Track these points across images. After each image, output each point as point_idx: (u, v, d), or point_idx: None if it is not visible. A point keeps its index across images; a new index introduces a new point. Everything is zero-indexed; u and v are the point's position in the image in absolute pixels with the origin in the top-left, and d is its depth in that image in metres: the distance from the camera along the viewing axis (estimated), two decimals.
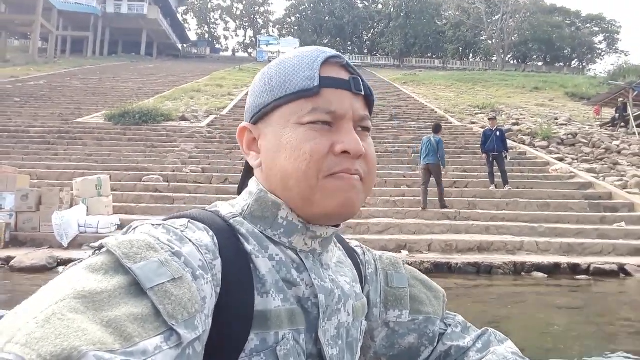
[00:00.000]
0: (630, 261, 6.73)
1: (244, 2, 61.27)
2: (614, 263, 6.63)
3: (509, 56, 52.69)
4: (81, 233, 7.57)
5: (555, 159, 13.05)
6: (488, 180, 10.32)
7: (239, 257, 0.53)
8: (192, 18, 64.44)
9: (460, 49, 55.15)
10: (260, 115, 0.60)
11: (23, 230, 7.74)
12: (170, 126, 15.10)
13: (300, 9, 58.41)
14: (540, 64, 54.30)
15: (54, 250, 7.02)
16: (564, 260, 6.71)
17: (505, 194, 9.83)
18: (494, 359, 0.65)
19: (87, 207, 8.12)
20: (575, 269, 6.52)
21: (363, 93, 0.60)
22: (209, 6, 62.30)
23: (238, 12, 62.80)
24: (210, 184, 10.37)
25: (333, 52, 0.60)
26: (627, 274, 6.47)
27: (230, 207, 0.61)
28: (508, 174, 10.50)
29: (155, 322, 0.39)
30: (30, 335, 0.33)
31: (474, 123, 17.78)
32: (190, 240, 0.50)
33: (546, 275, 6.35)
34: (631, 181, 10.65)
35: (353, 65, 0.61)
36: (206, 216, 0.56)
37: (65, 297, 0.37)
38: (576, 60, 57.12)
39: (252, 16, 62.76)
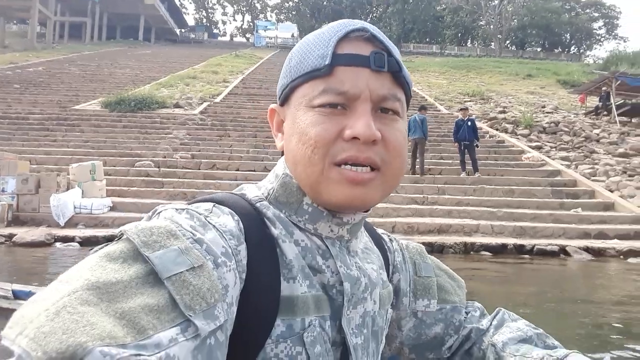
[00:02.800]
0: (572, 243, 7.42)
1: None
2: (556, 245, 7.32)
3: (507, 42, 52.83)
4: (76, 213, 8.32)
5: (533, 147, 13.62)
6: (460, 167, 10.98)
7: (265, 242, 0.53)
8: (190, 3, 64.64)
9: (459, 34, 55.19)
10: (283, 97, 0.59)
11: (24, 211, 8.52)
12: (164, 113, 15.69)
13: None
14: (538, 49, 54.41)
15: (52, 228, 7.78)
16: (511, 241, 7.40)
17: (474, 181, 10.49)
18: (508, 331, 0.69)
19: (82, 190, 8.83)
20: (520, 250, 7.23)
21: (386, 69, 0.54)
22: None
23: None
24: (199, 169, 11.03)
25: (359, 24, 0.55)
26: (567, 254, 7.16)
27: (256, 190, 0.60)
28: (483, 161, 11.17)
29: (171, 313, 0.38)
30: (39, 329, 0.33)
31: (462, 110, 18.37)
32: (214, 226, 0.48)
33: (491, 254, 7.06)
34: (601, 169, 11.27)
35: (383, 37, 0.55)
36: (232, 200, 0.55)
37: (78, 288, 0.36)
38: (574, 46, 57.19)
39: (250, 1, 62.75)
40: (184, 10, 60.74)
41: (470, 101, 20.30)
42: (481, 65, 32.18)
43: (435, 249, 7.12)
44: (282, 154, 0.61)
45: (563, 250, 7.21)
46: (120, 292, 0.38)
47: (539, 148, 13.71)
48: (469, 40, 58.08)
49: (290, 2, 60.46)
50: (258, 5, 63.89)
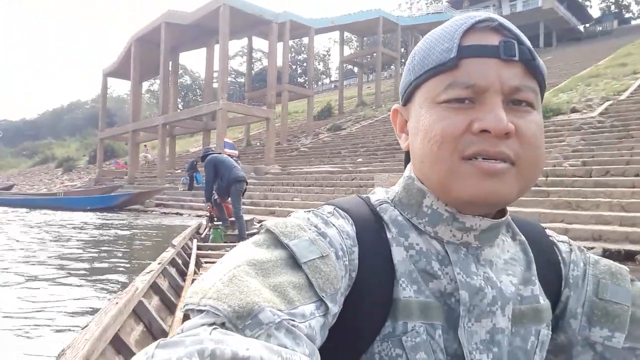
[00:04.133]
0: None
1: None
2: None
3: None
4: None
5: None
6: None
7: (379, 245, 0.55)
8: None
9: None
10: (406, 96, 0.58)
11: None
12: (559, 120, 15.22)
13: None
14: None
15: None
16: None
17: None
18: None
19: None
20: None
21: (517, 58, 0.50)
22: None
23: None
24: (590, 177, 10.33)
25: (485, 15, 0.52)
26: None
27: (384, 193, 0.62)
28: None
29: (308, 291, 0.44)
30: (219, 292, 0.40)
31: None
32: (334, 225, 0.53)
33: None
34: None
35: (512, 26, 0.52)
36: (352, 204, 0.59)
37: (241, 263, 0.44)
38: None
39: None
40: (586, 3, 55.64)
41: None
42: None
43: None
44: (406, 155, 0.62)
45: None
46: (270, 269, 0.45)
47: None
48: None
49: None
50: None
